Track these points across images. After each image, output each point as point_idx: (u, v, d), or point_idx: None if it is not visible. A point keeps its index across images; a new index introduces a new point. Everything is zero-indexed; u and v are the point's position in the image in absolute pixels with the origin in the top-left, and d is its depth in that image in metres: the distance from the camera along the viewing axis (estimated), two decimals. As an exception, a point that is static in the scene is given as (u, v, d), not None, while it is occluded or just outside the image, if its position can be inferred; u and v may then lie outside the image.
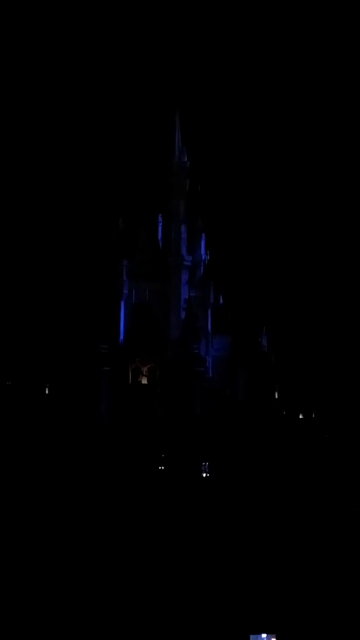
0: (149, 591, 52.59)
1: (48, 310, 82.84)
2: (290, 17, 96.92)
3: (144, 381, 79.46)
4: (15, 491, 65.50)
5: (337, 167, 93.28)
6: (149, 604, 51.32)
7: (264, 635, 48.56)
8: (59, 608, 52.02)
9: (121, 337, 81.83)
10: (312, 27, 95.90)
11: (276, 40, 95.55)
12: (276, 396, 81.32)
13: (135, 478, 68.56)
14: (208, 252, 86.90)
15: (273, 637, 48.90)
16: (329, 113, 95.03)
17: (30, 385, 79.22)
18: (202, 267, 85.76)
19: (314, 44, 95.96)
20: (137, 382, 79.48)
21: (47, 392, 79.31)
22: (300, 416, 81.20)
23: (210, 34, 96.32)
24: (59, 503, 64.46)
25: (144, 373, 79.50)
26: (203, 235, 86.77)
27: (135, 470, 69.68)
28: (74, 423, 75.46)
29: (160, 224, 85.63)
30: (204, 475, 71.25)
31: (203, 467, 71.90)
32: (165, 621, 49.35)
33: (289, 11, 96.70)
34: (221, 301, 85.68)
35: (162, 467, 71.37)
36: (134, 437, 74.45)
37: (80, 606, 51.55)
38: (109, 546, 58.38)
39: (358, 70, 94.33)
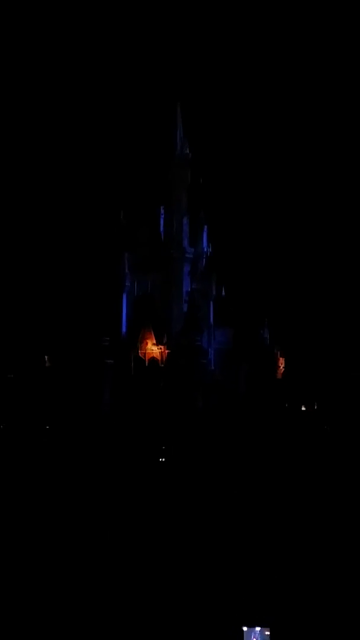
0: (141, 581, 52.69)
1: (51, 304, 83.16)
2: (291, 9, 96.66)
3: (147, 374, 79.49)
4: (18, 487, 65.75)
5: (338, 159, 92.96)
6: (141, 593, 51.38)
7: (257, 628, 48.13)
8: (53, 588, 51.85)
9: (123, 329, 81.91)
10: (312, 19, 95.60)
11: (277, 32, 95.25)
12: (278, 388, 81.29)
13: (135, 470, 68.62)
14: (210, 244, 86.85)
15: (267, 631, 48.47)
16: (329, 103, 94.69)
17: (33, 378, 79.59)
18: (204, 260, 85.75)
19: (313, 36, 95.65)
20: (140, 374, 79.51)
21: (49, 384, 79.63)
22: (303, 408, 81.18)
23: (212, 26, 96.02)
24: (59, 494, 64.62)
25: (146, 366, 79.58)
26: (205, 227, 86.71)
27: (136, 462, 69.75)
28: (77, 416, 75.69)
29: (162, 217, 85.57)
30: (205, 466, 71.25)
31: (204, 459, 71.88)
32: (156, 612, 49.37)
33: (289, 5, 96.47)
34: (223, 293, 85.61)
35: (163, 459, 71.45)
36: (136, 429, 74.57)
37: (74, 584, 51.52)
38: (106, 538, 58.50)
39: (356, 65, 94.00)
